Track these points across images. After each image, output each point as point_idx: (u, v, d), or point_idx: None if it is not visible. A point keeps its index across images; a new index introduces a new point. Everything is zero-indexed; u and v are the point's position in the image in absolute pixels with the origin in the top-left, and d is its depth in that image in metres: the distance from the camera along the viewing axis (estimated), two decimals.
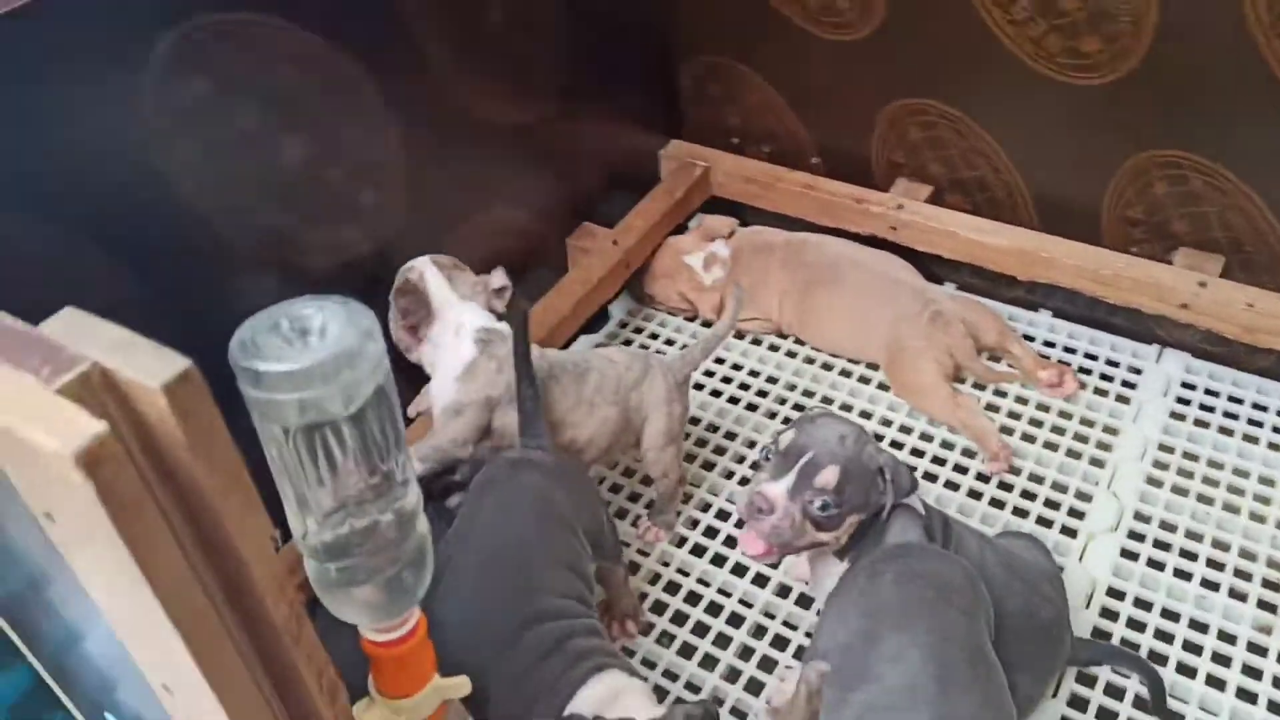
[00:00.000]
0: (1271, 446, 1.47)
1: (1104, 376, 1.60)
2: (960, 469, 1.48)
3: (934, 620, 0.97)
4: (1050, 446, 1.50)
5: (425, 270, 1.30)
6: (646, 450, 1.36)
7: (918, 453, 1.51)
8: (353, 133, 1.25)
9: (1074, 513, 1.41)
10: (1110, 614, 1.29)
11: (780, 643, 1.29)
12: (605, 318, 1.77)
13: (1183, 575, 1.32)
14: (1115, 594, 1.31)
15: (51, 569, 0.76)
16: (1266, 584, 1.30)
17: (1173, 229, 1.53)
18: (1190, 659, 1.23)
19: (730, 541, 1.41)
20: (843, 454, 1.04)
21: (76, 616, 0.85)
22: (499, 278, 1.33)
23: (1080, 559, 1.35)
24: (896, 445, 1.52)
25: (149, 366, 0.47)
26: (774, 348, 1.71)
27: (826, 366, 1.67)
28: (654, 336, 1.76)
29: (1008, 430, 1.53)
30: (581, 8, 1.56)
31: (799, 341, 1.71)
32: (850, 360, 1.67)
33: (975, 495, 1.45)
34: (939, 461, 1.50)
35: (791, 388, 1.64)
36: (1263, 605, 1.28)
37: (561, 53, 1.56)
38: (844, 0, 1.58)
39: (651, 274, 1.76)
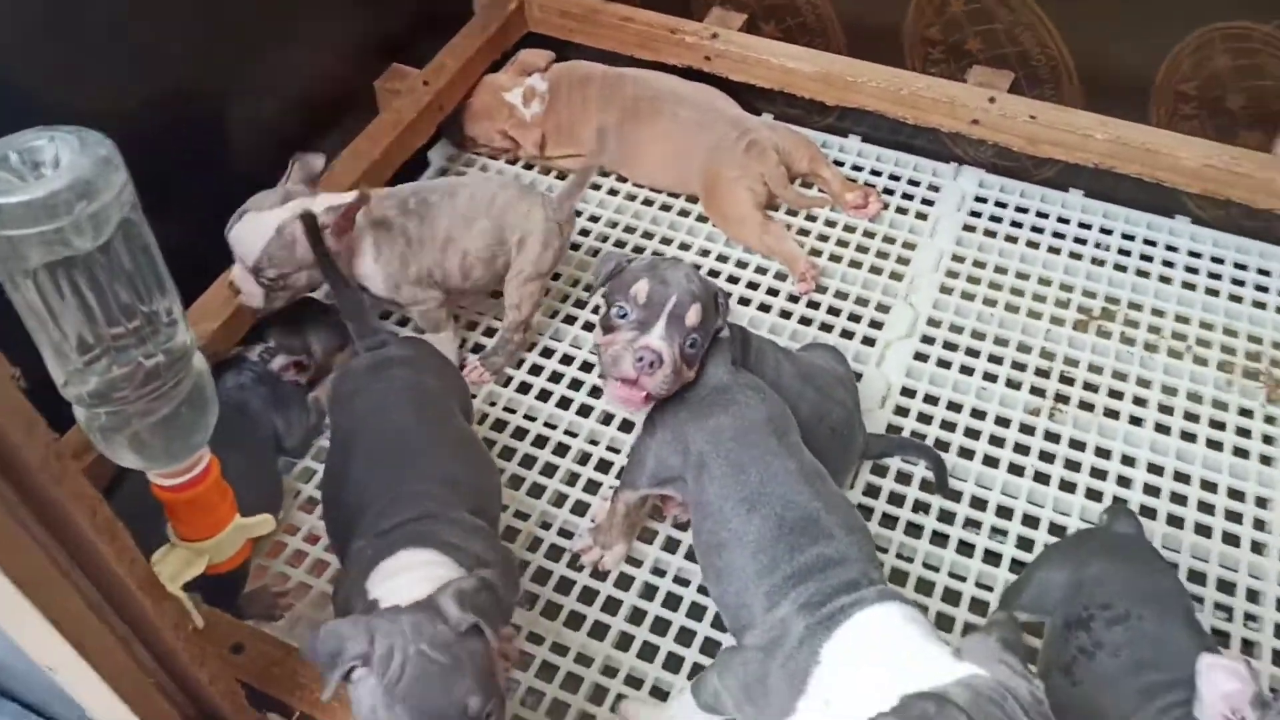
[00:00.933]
0: (1050, 250, 1.59)
1: (905, 196, 1.69)
2: (772, 292, 1.56)
3: (761, 451, 1.04)
4: (855, 265, 1.59)
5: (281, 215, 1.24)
6: (512, 276, 1.38)
7: (733, 279, 1.57)
8: None
9: (874, 324, 1.51)
10: (902, 411, 1.41)
11: (604, 466, 1.36)
12: (425, 164, 1.73)
13: (966, 371, 1.44)
14: (908, 393, 1.43)
15: None
16: (1039, 373, 1.44)
17: (967, 46, 1.59)
18: (970, 443, 1.37)
19: (555, 377, 1.45)
20: (698, 290, 1.08)
21: None
22: (316, 161, 1.32)
23: (879, 365, 1.45)
24: (714, 274, 1.58)
25: None
26: (595, 186, 1.72)
27: (647, 202, 1.69)
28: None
29: (817, 252, 1.60)
30: None
31: (621, 179, 1.72)
32: (670, 195, 1.70)
33: (786, 315, 1.52)
34: (753, 286, 1.56)
35: (613, 225, 1.66)
36: (1034, 391, 1.42)
37: None
38: None
39: (470, 113, 1.72)
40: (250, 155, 1.44)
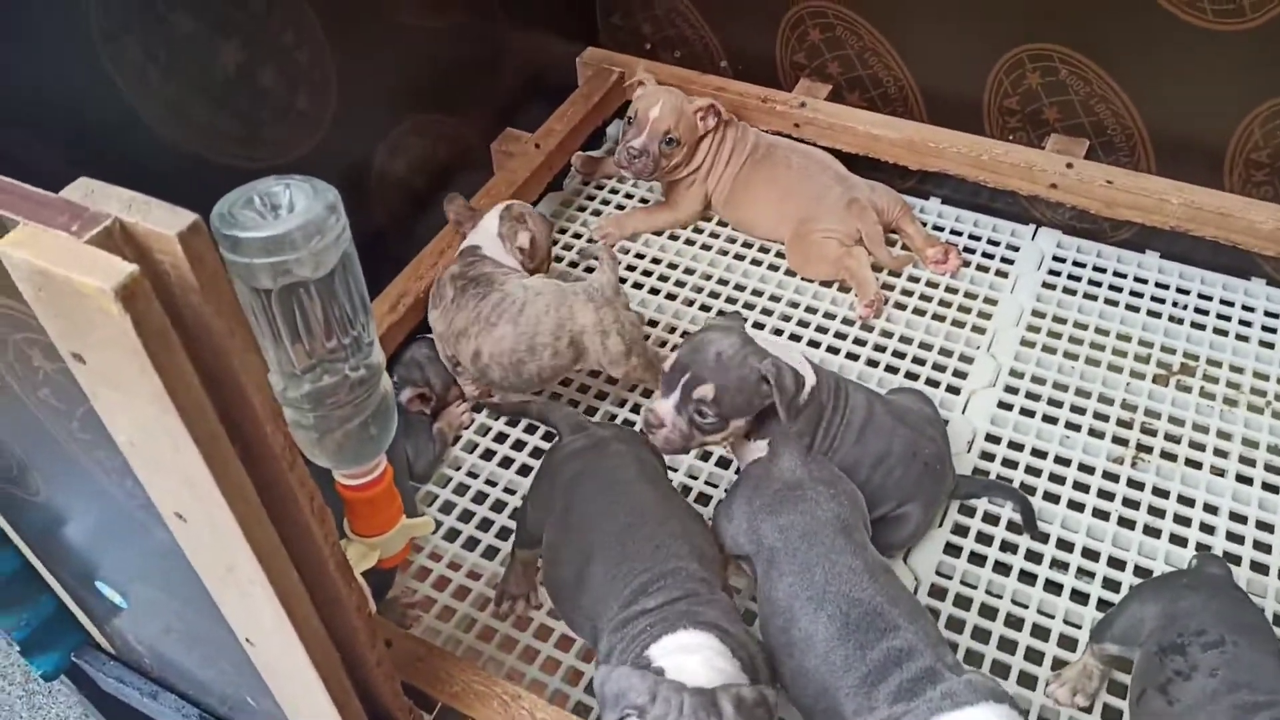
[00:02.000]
0: (1129, 308, 1.66)
1: (985, 255, 1.77)
2: (859, 341, 1.64)
3: (827, 549, 1.10)
4: (938, 318, 1.67)
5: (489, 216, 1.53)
6: (609, 369, 1.45)
7: (822, 329, 1.66)
8: (284, 38, 1.31)
9: (958, 373, 1.59)
10: (988, 456, 1.47)
11: (703, 500, 1.45)
12: None
13: (1050, 420, 1.51)
14: (993, 439, 1.49)
15: (33, 453, 0.85)
16: (1121, 423, 1.50)
17: (1044, 116, 1.69)
18: (1055, 488, 1.42)
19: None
20: (718, 370, 1.18)
21: (58, 502, 0.94)
22: (523, 239, 1.51)
23: (963, 412, 1.53)
24: (803, 324, 1.67)
25: (165, 219, 0.57)
26: (689, 241, 1.83)
27: (738, 256, 1.80)
28: (577, 235, 1.85)
29: (901, 306, 1.69)
30: None
31: (713, 235, 1.83)
32: (761, 246, 1.80)
33: (873, 364, 1.61)
34: (840, 336, 1.65)
35: (706, 277, 1.76)
36: (1117, 440, 1.48)
37: None
38: None
39: (672, 103, 1.70)
40: (384, 208, 1.59)
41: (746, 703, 0.89)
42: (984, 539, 1.38)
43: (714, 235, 1.84)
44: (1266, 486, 1.41)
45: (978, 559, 1.36)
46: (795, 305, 1.71)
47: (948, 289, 1.72)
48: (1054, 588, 1.33)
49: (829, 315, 1.69)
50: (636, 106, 1.71)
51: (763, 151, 1.78)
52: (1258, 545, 1.35)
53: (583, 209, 1.91)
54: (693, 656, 0.94)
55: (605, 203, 1.93)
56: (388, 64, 1.51)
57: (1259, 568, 1.32)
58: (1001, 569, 1.35)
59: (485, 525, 1.42)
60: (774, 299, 1.72)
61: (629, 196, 1.93)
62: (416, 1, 1.53)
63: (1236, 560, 1.33)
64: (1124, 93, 1.59)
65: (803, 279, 1.74)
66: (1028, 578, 1.34)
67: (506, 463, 1.50)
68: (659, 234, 1.84)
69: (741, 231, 1.82)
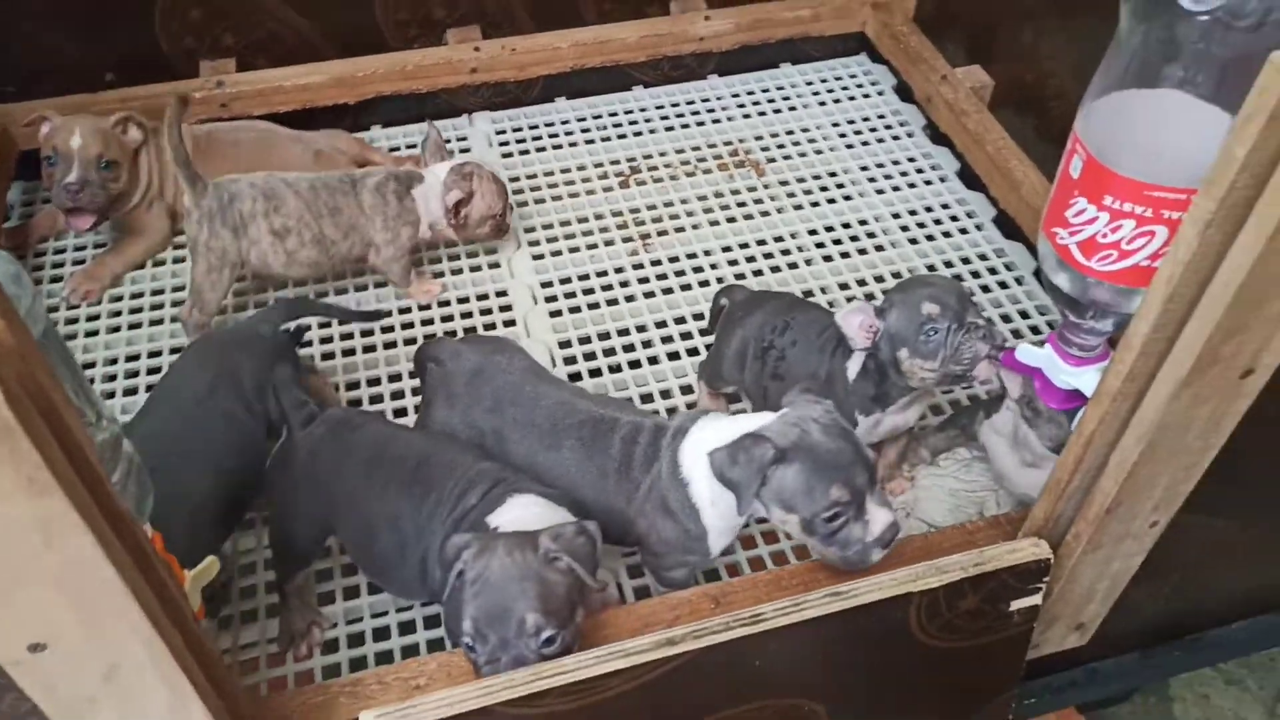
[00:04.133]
0: (571, 145, 2.00)
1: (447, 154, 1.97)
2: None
3: (535, 398, 1.22)
4: None
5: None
6: None
7: (376, 270, 1.74)
8: None
9: (489, 250, 1.79)
10: (551, 299, 1.72)
11: None
12: None
13: (573, 250, 1.79)
14: (545, 285, 1.74)
15: None
16: (619, 226, 1.84)
17: (435, 17, 1.90)
18: (609, 294, 1.72)
19: None
20: None
21: None
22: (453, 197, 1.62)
23: (513, 277, 1.74)
24: (357, 274, 1.73)
25: None
26: (180, 259, 1.74)
27: None
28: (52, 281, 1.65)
29: None
30: None
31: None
32: None
33: (437, 275, 1.74)
34: None
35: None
36: (625, 240, 1.82)
37: None
38: None
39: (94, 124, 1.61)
40: None
41: (565, 536, 0.98)
42: (589, 356, 1.64)
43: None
44: (729, 219, 1.86)
45: (594, 373, 1.62)
46: None
47: None
48: (652, 360, 1.64)
49: None
50: (53, 143, 1.56)
51: (204, 143, 1.73)
52: (747, 259, 1.80)
53: (39, 282, 1.70)
54: (526, 514, 1.03)
55: (59, 265, 1.73)
56: None
57: (757, 274, 1.78)
58: (596, 373, 1.61)
59: None
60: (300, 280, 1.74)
61: (80, 249, 1.76)
62: None
63: (744, 276, 1.76)
64: None
65: None
66: (634, 365, 1.63)
67: None
68: (141, 268, 1.72)
69: None
